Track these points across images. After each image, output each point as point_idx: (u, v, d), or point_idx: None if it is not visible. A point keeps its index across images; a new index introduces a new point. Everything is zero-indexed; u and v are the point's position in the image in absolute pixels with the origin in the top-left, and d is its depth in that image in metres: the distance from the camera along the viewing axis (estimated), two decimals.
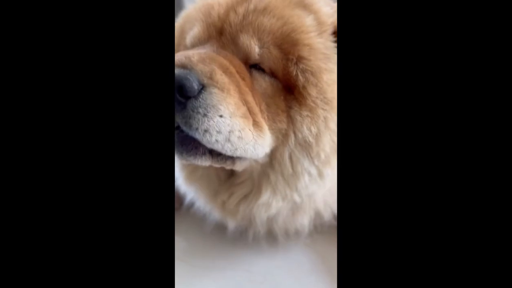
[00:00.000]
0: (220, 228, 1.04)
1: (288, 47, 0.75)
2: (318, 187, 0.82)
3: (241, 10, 0.78)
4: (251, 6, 0.78)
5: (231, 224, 0.97)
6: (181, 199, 1.07)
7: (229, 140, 0.70)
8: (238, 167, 0.81)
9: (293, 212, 0.91)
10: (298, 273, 0.92)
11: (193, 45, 0.82)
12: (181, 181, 0.98)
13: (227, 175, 0.91)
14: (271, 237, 1.00)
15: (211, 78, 0.68)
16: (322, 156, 0.77)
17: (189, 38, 0.83)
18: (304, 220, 0.94)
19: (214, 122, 0.67)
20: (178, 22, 0.92)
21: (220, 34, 0.79)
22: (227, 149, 0.71)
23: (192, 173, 0.93)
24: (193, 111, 0.67)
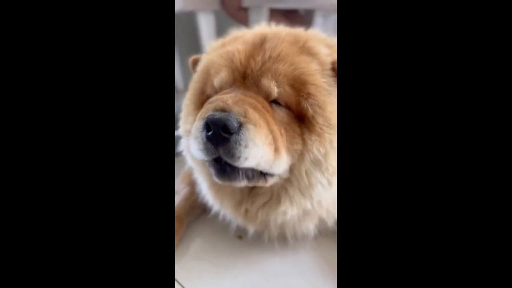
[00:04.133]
0: (239, 232, 1.24)
1: (299, 86, 0.94)
2: (328, 193, 1.02)
3: (259, 58, 0.98)
4: (267, 54, 0.98)
5: (251, 229, 1.16)
6: (208, 209, 1.26)
7: (259, 164, 0.90)
8: (270, 183, 1.01)
9: (302, 218, 1.10)
10: (305, 272, 1.09)
11: (221, 87, 1.02)
12: (209, 196, 1.18)
13: (250, 188, 1.10)
14: (282, 241, 1.18)
15: (246, 116, 0.88)
16: (330, 169, 0.97)
17: (216, 81, 1.02)
18: (310, 225, 1.14)
19: (253, 151, 0.87)
20: (203, 65, 1.11)
21: (244, 78, 0.99)
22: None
23: (220, 190, 1.13)
24: (235, 144, 0.86)
